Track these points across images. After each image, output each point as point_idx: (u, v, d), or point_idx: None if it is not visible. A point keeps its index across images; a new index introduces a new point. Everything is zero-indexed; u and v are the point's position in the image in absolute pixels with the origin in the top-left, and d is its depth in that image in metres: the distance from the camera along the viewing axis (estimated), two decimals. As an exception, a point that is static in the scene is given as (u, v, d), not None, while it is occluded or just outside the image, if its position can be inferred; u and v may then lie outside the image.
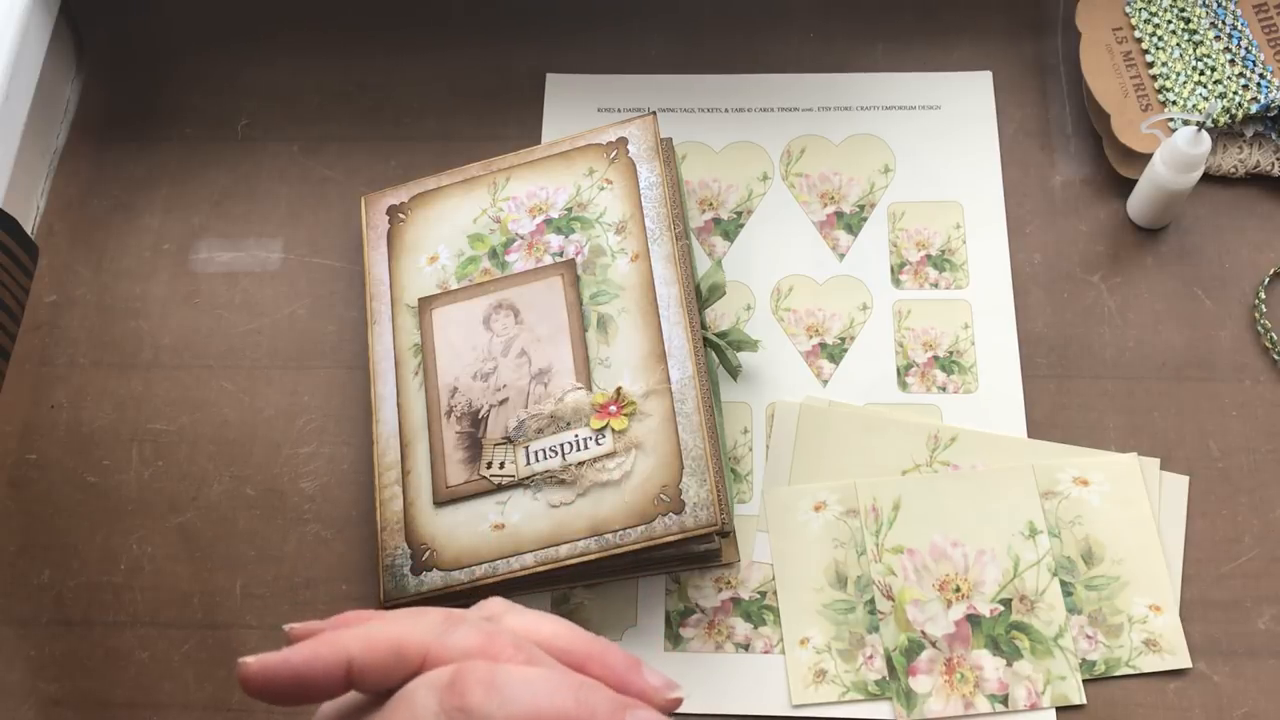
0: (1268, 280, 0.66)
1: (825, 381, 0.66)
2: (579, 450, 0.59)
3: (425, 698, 0.32)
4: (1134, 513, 0.61)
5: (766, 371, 0.66)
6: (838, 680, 0.59)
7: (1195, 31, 0.69)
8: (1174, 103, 0.68)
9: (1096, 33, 0.70)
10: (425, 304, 0.64)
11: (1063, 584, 0.60)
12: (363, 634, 0.33)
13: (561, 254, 0.64)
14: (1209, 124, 0.66)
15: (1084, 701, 0.58)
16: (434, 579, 0.58)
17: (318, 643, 0.33)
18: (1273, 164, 0.68)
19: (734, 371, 0.64)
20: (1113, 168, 0.69)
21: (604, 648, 0.35)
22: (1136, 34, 0.70)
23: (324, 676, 0.33)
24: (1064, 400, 0.64)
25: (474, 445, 0.60)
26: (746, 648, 0.60)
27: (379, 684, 0.33)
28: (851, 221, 0.69)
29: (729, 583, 0.61)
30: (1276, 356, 0.65)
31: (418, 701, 0.32)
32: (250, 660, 0.33)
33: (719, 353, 0.63)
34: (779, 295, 0.68)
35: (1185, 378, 0.65)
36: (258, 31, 0.77)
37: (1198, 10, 0.70)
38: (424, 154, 0.72)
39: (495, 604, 0.37)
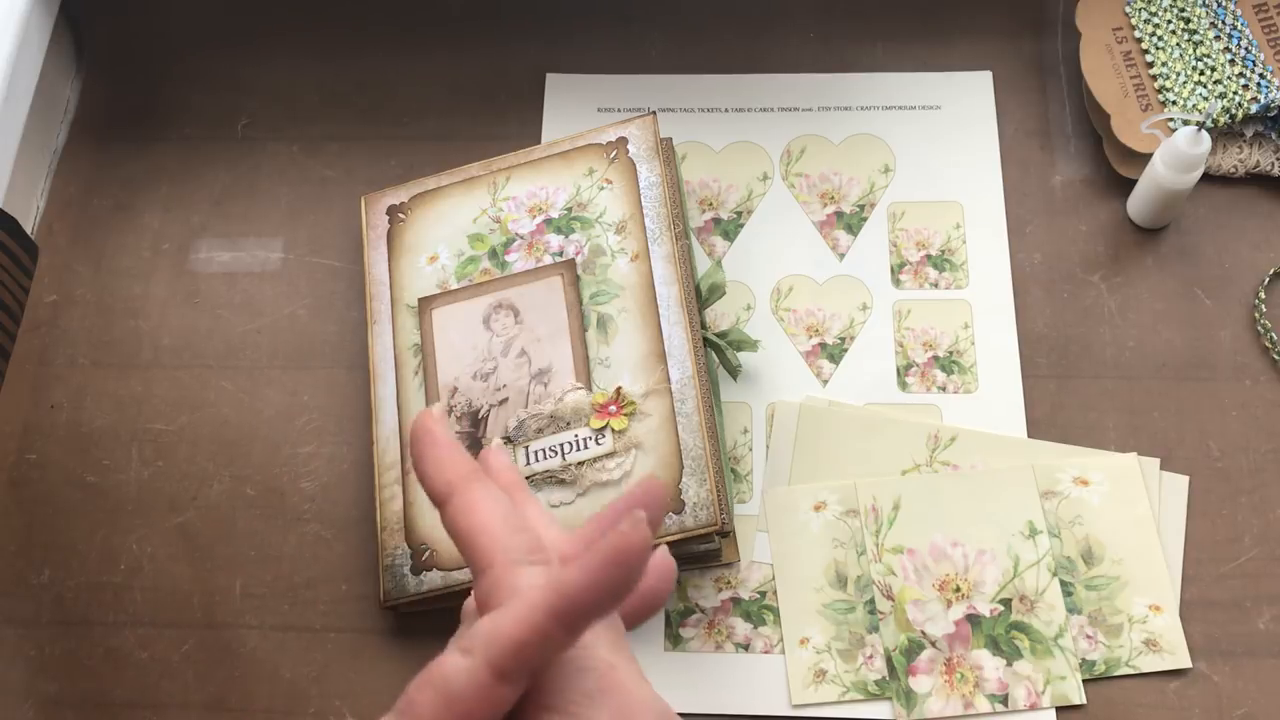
0: (1268, 280, 0.66)
1: (825, 381, 0.66)
2: (579, 450, 0.59)
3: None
4: (1134, 513, 0.61)
5: (766, 371, 0.66)
6: (838, 680, 0.59)
7: (1195, 31, 0.69)
8: (1174, 103, 0.68)
9: (1096, 33, 0.70)
10: (425, 304, 0.64)
11: (1063, 584, 0.60)
12: (473, 502, 0.36)
13: (561, 254, 0.63)
14: (1209, 124, 0.66)
15: (1084, 701, 0.58)
16: (434, 579, 0.58)
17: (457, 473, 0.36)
18: (1273, 164, 0.68)
19: (734, 371, 0.64)
20: (1113, 168, 0.69)
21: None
22: (1136, 34, 0.70)
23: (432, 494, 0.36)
24: (1064, 400, 0.64)
25: (474, 445, 0.60)
26: (746, 648, 0.60)
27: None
28: (851, 221, 0.69)
29: (729, 583, 0.61)
30: (1276, 356, 0.65)
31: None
32: (425, 422, 0.37)
33: (719, 353, 0.63)
34: (779, 295, 0.68)
35: (1185, 378, 0.65)
36: (258, 31, 0.77)
37: (1198, 10, 0.70)
38: (424, 154, 0.72)
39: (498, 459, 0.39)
